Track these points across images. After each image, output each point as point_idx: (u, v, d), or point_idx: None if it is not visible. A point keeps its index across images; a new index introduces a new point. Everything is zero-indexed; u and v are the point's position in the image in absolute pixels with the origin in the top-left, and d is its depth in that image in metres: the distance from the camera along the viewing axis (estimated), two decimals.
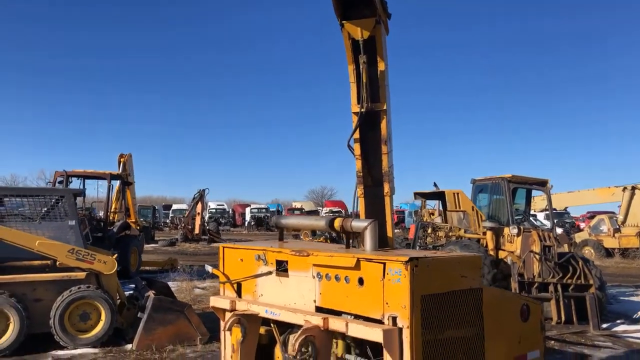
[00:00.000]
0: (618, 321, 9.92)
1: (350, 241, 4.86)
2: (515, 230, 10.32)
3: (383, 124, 4.96)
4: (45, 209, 8.35)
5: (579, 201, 28.75)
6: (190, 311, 8.10)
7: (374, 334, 3.73)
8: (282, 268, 4.79)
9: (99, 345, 7.80)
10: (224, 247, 5.47)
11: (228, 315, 5.25)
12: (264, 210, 54.97)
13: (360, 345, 4.34)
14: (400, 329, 3.74)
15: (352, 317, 4.17)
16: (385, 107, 4.94)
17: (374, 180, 5.17)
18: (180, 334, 7.94)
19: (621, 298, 12.44)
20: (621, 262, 22.11)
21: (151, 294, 8.14)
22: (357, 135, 5.04)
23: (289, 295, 4.68)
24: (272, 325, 4.94)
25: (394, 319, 3.78)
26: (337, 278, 4.24)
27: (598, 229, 26.58)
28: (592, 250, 24.85)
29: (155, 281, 10.07)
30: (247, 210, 56.15)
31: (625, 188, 25.87)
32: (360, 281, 4.06)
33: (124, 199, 17.77)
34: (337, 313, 4.27)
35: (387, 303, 3.84)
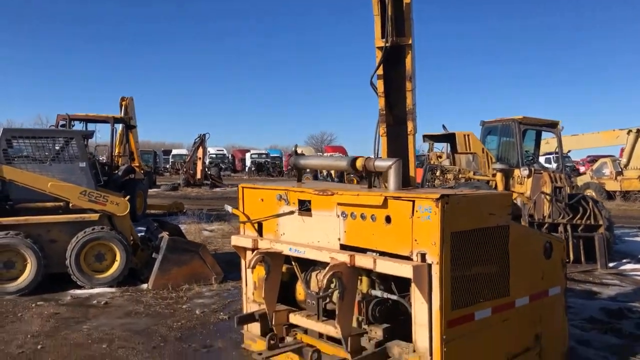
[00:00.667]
0: (624, 260, 10.06)
1: (373, 181, 4.81)
2: (527, 172, 10.30)
3: (408, 60, 4.81)
4: (55, 151, 8.26)
5: (583, 144, 28.64)
6: (204, 251, 8.17)
7: (403, 270, 3.74)
8: (304, 208, 4.77)
9: (115, 285, 7.91)
10: (243, 188, 5.44)
11: (250, 253, 5.28)
12: (264, 155, 54.91)
13: (384, 281, 4.38)
14: (430, 265, 3.75)
15: (377, 254, 4.18)
16: (410, 42, 4.78)
17: (396, 118, 5.08)
18: (196, 273, 8.04)
19: (626, 239, 12.59)
20: (622, 205, 22.31)
21: (165, 234, 8.18)
22: (380, 71, 4.91)
23: (312, 234, 4.68)
24: (293, 263, 4.97)
25: (423, 255, 3.79)
26: (362, 217, 4.22)
27: (600, 172, 26.64)
28: (593, 193, 24.96)
29: (167, 223, 10.13)
30: (247, 155, 56.08)
31: (630, 131, 25.74)
32: (388, 219, 4.04)
33: (128, 142, 17.63)
34: (362, 251, 4.28)
35: (415, 240, 3.83)
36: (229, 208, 5.52)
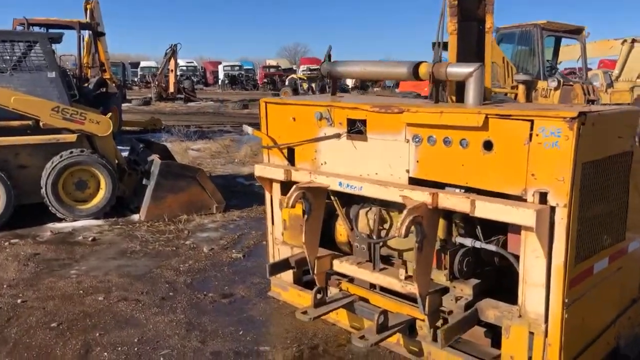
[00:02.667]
0: None
1: (437, 93, 3.72)
2: (555, 84, 9.30)
3: None
4: (16, 57, 6.83)
5: (575, 54, 27.62)
6: (203, 176, 7.10)
7: (519, 215, 2.77)
8: (356, 130, 3.71)
9: (102, 217, 6.84)
10: (266, 103, 4.30)
11: (278, 186, 4.25)
12: (237, 68, 52.33)
13: (467, 226, 3.44)
14: (553, 208, 2.79)
15: (462, 191, 3.20)
16: None
17: (466, 12, 3.91)
18: (194, 202, 7.01)
19: None
20: None
21: (156, 157, 7.04)
22: None
23: (366, 164, 3.65)
24: (332, 198, 3.98)
25: (543, 195, 2.81)
26: (446, 142, 3.19)
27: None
28: None
29: (154, 143, 8.92)
30: (220, 68, 53.35)
31: (624, 41, 24.66)
32: (487, 145, 3.02)
33: (96, 52, 15.79)
34: (438, 186, 3.29)
35: (533, 175, 2.84)
36: (248, 129, 4.41)
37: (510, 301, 3.25)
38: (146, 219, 6.77)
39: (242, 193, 8.28)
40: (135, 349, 3.65)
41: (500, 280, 3.45)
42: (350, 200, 4.00)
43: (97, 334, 3.85)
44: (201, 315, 4.16)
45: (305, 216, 3.78)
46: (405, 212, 3.00)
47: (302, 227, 4.13)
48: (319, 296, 3.70)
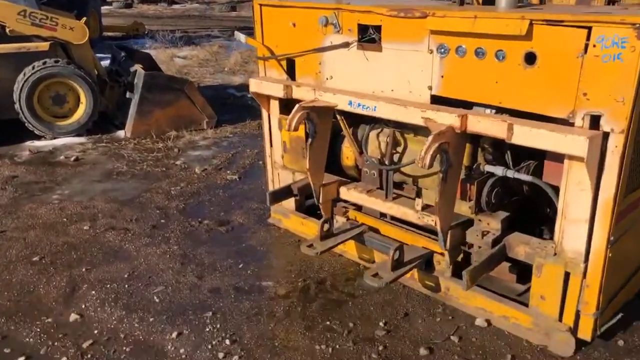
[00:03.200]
0: None
1: None
2: None
3: None
4: None
5: None
6: (191, 89, 6.53)
7: (569, 143, 2.35)
8: (368, 38, 3.17)
9: (85, 134, 6.35)
10: (261, 6, 3.70)
11: (276, 103, 3.77)
12: None
13: (495, 151, 3.03)
14: (607, 134, 2.37)
15: (494, 111, 2.76)
16: None
17: None
18: (183, 116, 6.51)
19: None
20: None
21: (139, 68, 6.43)
22: None
23: (381, 79, 3.16)
24: (338, 117, 3.52)
25: (595, 118, 2.38)
26: (479, 53, 2.69)
27: None
28: None
29: (136, 51, 8.22)
30: None
31: None
32: (530, 58, 2.53)
33: None
34: (464, 106, 2.85)
35: (584, 94, 2.39)
36: (241, 37, 3.84)
37: (534, 233, 2.93)
38: (132, 135, 6.30)
39: (234, 106, 7.75)
40: (126, 286, 3.35)
41: (524, 210, 3.10)
42: (358, 120, 3.54)
43: (84, 269, 3.53)
44: (197, 245, 3.83)
45: (309, 140, 3.34)
46: (430, 138, 2.57)
47: (304, 150, 3.72)
48: (326, 227, 3.35)
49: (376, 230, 3.54)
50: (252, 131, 6.58)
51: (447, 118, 2.71)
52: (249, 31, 3.90)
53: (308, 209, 4.03)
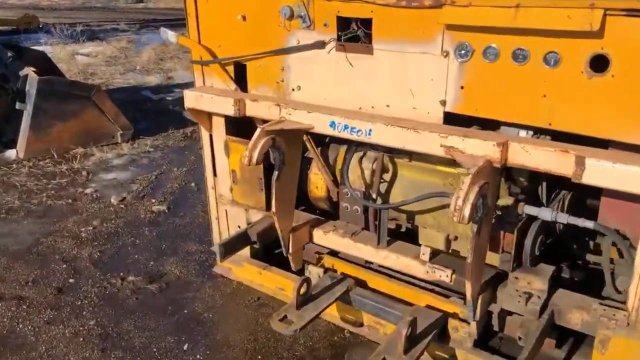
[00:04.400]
0: None
1: None
2: None
3: None
4: None
5: None
6: (100, 96, 5.39)
7: None
8: (351, 35, 2.35)
9: None
10: None
11: (220, 121, 2.86)
12: None
13: (529, 183, 2.31)
14: None
15: (530, 133, 2.05)
16: None
17: None
18: (91, 130, 5.36)
19: None
20: None
21: (31, 71, 5.20)
22: None
23: (371, 90, 2.35)
24: (306, 136, 2.68)
25: None
26: (518, 56, 1.95)
27: None
28: None
29: (27, 49, 6.84)
30: None
31: None
32: (599, 63, 1.81)
33: None
34: (490, 126, 2.12)
35: None
36: (169, 35, 2.89)
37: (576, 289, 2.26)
38: (26, 156, 5.08)
39: (152, 112, 6.63)
40: None
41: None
42: (326, 137, 2.73)
43: None
44: (121, 317, 2.84)
45: (276, 173, 2.46)
46: (467, 181, 1.79)
47: (261, 181, 2.84)
48: (303, 291, 2.50)
49: (362, 283, 2.73)
50: (177, 143, 5.56)
51: (481, 147, 1.95)
52: (162, 24, 2.95)
53: (266, 250, 3.16)
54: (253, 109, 2.60)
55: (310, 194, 2.95)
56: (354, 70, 2.36)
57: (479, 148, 1.95)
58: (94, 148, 5.25)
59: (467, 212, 1.77)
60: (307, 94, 2.54)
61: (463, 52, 2.06)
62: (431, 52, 2.13)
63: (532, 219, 2.19)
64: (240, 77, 2.76)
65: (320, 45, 2.40)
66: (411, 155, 2.51)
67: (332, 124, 2.32)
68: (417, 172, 2.53)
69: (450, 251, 2.58)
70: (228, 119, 2.82)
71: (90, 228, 3.78)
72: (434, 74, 2.15)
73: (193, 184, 4.52)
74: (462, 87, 2.11)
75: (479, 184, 1.81)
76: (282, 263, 2.93)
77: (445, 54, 2.10)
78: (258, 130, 2.30)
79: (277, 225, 2.60)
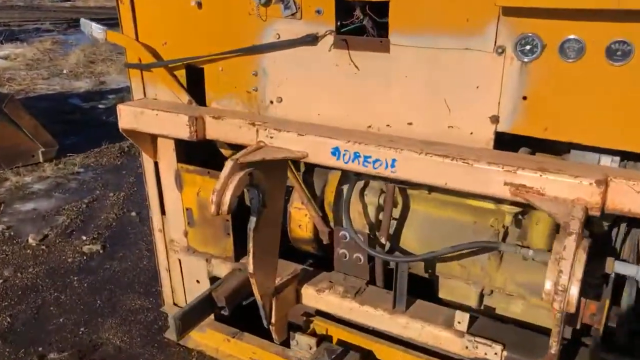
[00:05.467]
0: None
1: None
2: None
3: None
4: None
5: None
6: (14, 106, 4.46)
7: None
8: (355, 25, 1.68)
9: None
10: None
11: (167, 147, 2.13)
12: None
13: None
14: None
15: (622, 163, 1.45)
16: None
17: None
18: (4, 148, 4.42)
19: None
20: None
21: None
22: None
23: (385, 102, 1.68)
24: (290, 163, 1.98)
25: None
26: (615, 52, 1.34)
27: None
28: None
29: None
30: None
31: None
32: None
33: None
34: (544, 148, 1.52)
35: None
36: (96, 31, 2.13)
37: None
38: None
39: (82, 124, 5.71)
40: None
41: None
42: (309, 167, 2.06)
43: None
44: None
45: (254, 220, 1.75)
46: (571, 239, 1.15)
47: (227, 223, 2.13)
48: None
49: (370, 356, 2.07)
50: (112, 161, 4.70)
51: (570, 187, 1.32)
52: (100, 22, 2.22)
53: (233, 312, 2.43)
54: (217, 130, 1.88)
55: (290, 234, 2.26)
56: (361, 75, 1.69)
57: (567, 188, 1.33)
58: (7, 171, 4.32)
59: (573, 298, 1.13)
60: (291, 108, 1.84)
61: (528, 47, 1.43)
62: (478, 48, 1.49)
63: (622, 279, 1.59)
64: (195, 86, 2.03)
65: (311, 40, 1.72)
66: (430, 187, 1.87)
67: (336, 152, 1.64)
68: (439, 208, 1.90)
69: (482, 308, 1.97)
70: (180, 142, 2.09)
71: (0, 281, 2.93)
72: (481, 79, 1.52)
73: (134, 213, 3.72)
74: (524, 98, 1.48)
75: (581, 240, 1.19)
76: (257, 324, 2.22)
77: (500, 50, 1.47)
78: (229, 164, 1.59)
79: (255, 289, 1.89)
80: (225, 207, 1.55)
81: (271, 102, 1.88)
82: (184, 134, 1.89)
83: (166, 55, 2.02)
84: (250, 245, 1.78)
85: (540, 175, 1.36)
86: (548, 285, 1.17)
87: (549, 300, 1.17)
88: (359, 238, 1.94)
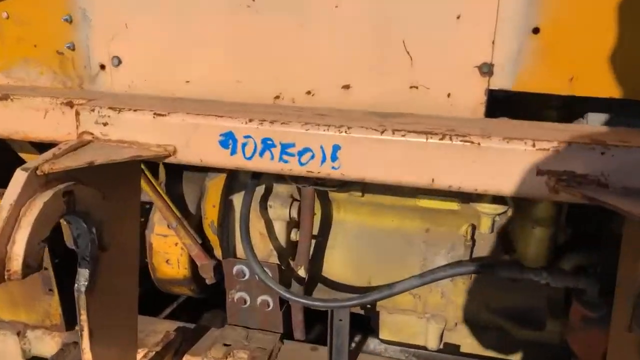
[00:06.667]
0: None
1: None
2: None
3: None
4: None
5: None
6: None
7: None
8: None
9: None
10: None
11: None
12: None
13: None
14: None
15: None
16: None
17: None
18: None
19: None
20: None
21: None
22: None
23: (296, 53, 1.00)
24: (141, 166, 1.24)
25: None
26: None
27: None
28: None
29: None
30: None
31: None
32: None
33: None
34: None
35: None
36: None
37: None
38: None
39: None
40: None
41: None
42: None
43: None
44: None
45: (84, 274, 0.97)
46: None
47: (45, 273, 1.31)
48: None
49: None
50: None
51: None
52: None
53: None
54: (4, 121, 1.05)
55: (154, 274, 1.53)
56: (259, 8, 1.00)
57: None
58: None
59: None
60: (137, 74, 1.09)
61: None
62: None
63: None
64: None
65: None
66: (364, 186, 1.26)
67: (228, 140, 0.92)
68: (377, 215, 1.31)
69: (441, 346, 1.41)
70: None
71: None
72: (464, 3, 0.91)
73: None
74: (535, 30, 0.90)
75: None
76: None
77: None
78: (19, 177, 0.80)
79: None
80: (16, 267, 0.76)
81: (102, 66, 1.10)
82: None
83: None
84: (83, 317, 1.00)
85: (602, 154, 0.78)
86: None
87: None
88: (265, 273, 1.25)
